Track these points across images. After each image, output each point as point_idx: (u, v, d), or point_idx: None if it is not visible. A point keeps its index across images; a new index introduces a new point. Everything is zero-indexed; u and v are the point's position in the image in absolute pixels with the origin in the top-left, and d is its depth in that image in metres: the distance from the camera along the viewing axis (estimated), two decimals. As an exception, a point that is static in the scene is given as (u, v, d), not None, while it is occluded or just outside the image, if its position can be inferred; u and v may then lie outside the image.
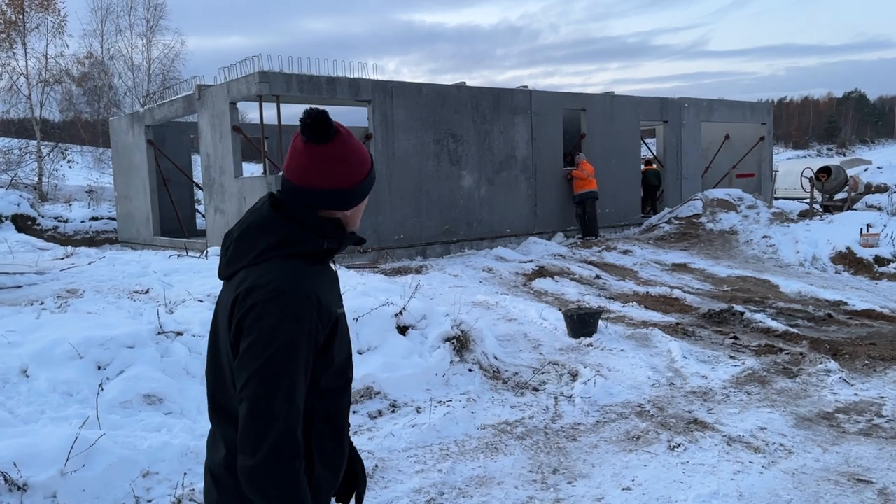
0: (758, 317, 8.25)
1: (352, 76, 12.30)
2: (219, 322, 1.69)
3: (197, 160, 17.67)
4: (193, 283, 6.94)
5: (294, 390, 1.54)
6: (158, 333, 4.96)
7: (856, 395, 5.64)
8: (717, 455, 4.44)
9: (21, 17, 24.90)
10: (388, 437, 4.36)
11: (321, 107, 1.79)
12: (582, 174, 14.60)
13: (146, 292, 6.60)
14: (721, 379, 6.05)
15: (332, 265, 1.79)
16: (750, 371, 6.26)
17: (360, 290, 6.25)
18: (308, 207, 1.68)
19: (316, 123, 1.65)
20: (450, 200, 13.29)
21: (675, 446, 4.55)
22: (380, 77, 12.71)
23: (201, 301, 5.86)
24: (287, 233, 1.64)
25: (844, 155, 73.06)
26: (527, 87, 14.65)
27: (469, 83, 13.84)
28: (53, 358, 4.56)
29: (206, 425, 4.26)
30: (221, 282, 1.79)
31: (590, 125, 15.50)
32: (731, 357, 6.75)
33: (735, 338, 7.55)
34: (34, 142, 25.72)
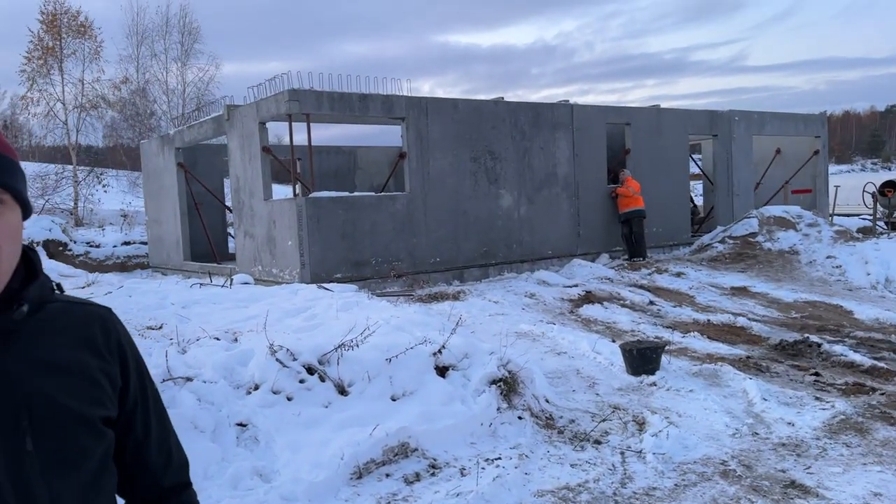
0: (837, 348, 7.36)
1: (385, 93, 11.74)
2: None
3: (229, 183, 17.32)
4: (213, 315, 6.35)
5: None
6: (165, 380, 4.33)
7: (978, 448, 4.76)
8: (829, 533, 3.63)
9: (58, 43, 25.09)
10: (427, 509, 3.64)
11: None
12: (627, 192, 13.79)
13: (160, 328, 6.02)
14: (811, 426, 5.21)
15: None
16: (842, 416, 5.40)
17: (394, 324, 5.57)
18: None
19: None
20: (488, 221, 12.59)
21: (775, 520, 3.75)
22: (414, 94, 12.14)
23: (217, 339, 5.23)
24: None
25: (890, 169, 70.71)
26: (567, 101, 13.94)
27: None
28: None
29: (212, 493, 3.59)
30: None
31: (635, 140, 14.70)
32: (817, 398, 5.89)
33: (816, 374, 6.68)
34: (70, 167, 25.80)
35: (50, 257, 15.98)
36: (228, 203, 16.72)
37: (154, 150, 16.37)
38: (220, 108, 14.05)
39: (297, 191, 12.23)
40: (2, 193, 1.01)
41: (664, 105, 15.77)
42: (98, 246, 18.34)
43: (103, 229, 21.05)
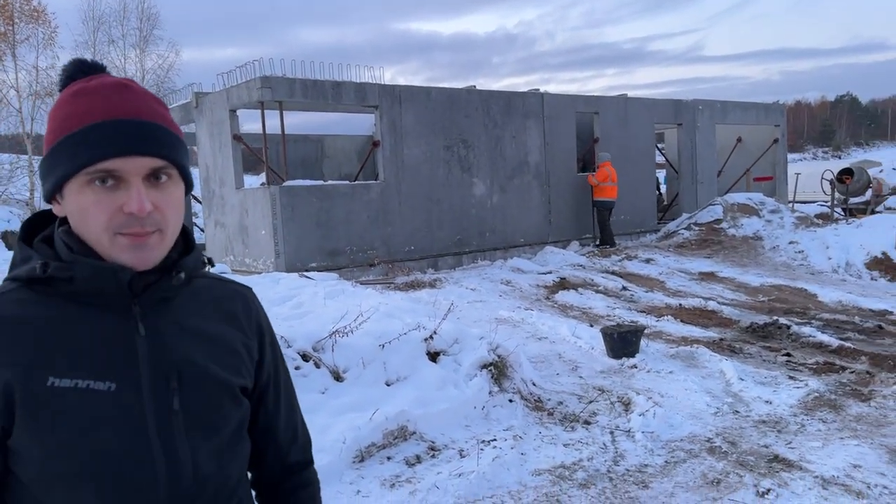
0: (805, 330, 7.63)
1: (358, 81, 11.69)
2: None
3: (194, 172, 17.03)
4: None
5: None
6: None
7: (945, 421, 5.01)
8: (815, 503, 3.80)
9: (11, 28, 24.29)
10: (432, 490, 3.70)
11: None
12: (593, 181, 13.96)
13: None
14: (787, 404, 5.42)
15: (132, 315, 1.07)
16: (816, 394, 5.63)
17: (384, 311, 5.61)
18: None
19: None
20: (461, 209, 12.66)
21: (764, 492, 3.91)
22: (378, 81, 12.09)
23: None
24: (17, 250, 1.11)
25: (840, 157, 72.80)
26: (538, 89, 14.06)
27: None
28: None
29: None
30: None
31: (603, 129, 14.90)
32: (791, 377, 6.12)
33: (788, 354, 6.93)
34: (25, 156, 25.06)
35: (9, 249, 15.57)
36: (194, 192, 16.46)
37: (117, 138, 16.01)
38: (185, 96, 13.81)
39: (266, 180, 12.11)
40: (171, 169, 1.07)
41: (626, 94, 16.01)
42: (59, 237, 17.88)
43: (63, 220, 20.50)
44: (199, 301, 1.17)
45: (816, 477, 4.09)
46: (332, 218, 11.08)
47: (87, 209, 1.03)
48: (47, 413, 1.00)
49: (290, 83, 10.81)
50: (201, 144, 12.63)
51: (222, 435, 1.12)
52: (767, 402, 5.49)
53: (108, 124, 1.02)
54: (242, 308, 1.22)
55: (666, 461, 4.37)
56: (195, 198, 16.10)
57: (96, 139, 1.01)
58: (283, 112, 11.28)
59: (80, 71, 1.11)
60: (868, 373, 6.14)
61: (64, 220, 1.09)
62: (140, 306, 1.08)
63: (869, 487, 3.97)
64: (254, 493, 1.28)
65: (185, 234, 1.16)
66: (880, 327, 7.99)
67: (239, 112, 12.00)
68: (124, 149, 1.02)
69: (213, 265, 1.22)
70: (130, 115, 1.04)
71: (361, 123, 18.22)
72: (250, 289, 1.28)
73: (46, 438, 1.00)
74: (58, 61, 25.79)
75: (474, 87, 13.21)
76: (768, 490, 3.93)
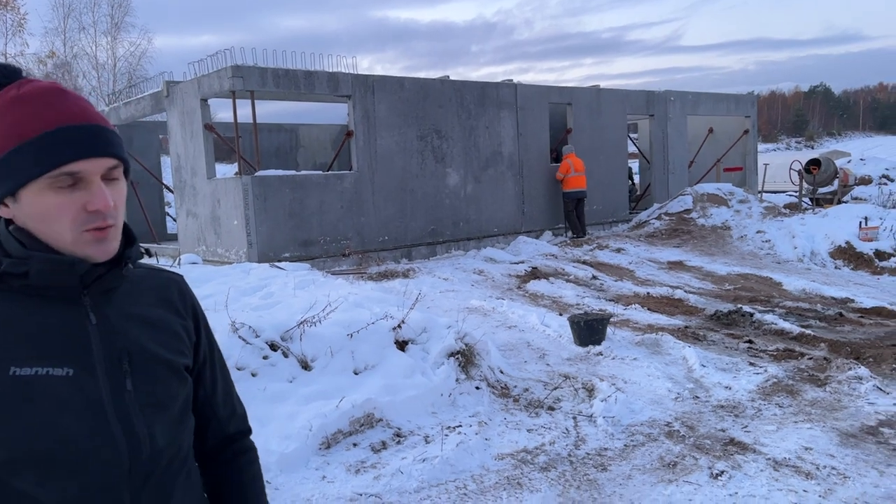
0: (768, 318, 7.82)
1: (331, 70, 11.67)
2: None
3: (166, 161, 16.88)
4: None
5: None
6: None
7: (895, 404, 5.20)
8: (766, 483, 3.94)
9: (-23, 14, 23.81)
10: (396, 475, 3.79)
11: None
12: (559, 175, 14.13)
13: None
14: (746, 389, 5.58)
15: (80, 305, 1.14)
16: (775, 379, 5.80)
17: (353, 300, 5.67)
18: None
19: None
20: (435, 200, 12.72)
21: (717, 474, 4.05)
22: (360, 71, 12.10)
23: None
24: None
25: (813, 147, 73.97)
26: (512, 80, 14.13)
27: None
28: None
29: None
30: (197, 292, 1.32)
31: (576, 120, 15.03)
32: (751, 364, 6.29)
33: (750, 341, 7.11)
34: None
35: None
36: (166, 181, 16.35)
37: (88, 127, 15.80)
38: (156, 84, 13.68)
39: (238, 169, 12.06)
40: (120, 167, 1.16)
41: (602, 85, 16.15)
42: (29, 227, 17.61)
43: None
44: (140, 290, 1.25)
45: (769, 459, 4.25)
46: (306, 208, 11.09)
47: (50, 211, 1.09)
48: (11, 400, 1.05)
49: (261, 72, 10.77)
50: (173, 134, 12.54)
51: (172, 410, 1.21)
52: (727, 387, 5.65)
53: (64, 130, 1.09)
54: (178, 294, 1.32)
55: (625, 445, 4.50)
56: (167, 187, 15.98)
57: (61, 143, 1.08)
58: (256, 101, 11.23)
59: (3, 76, 1.14)
60: (825, 359, 6.32)
61: (10, 220, 1.14)
62: (90, 297, 1.15)
63: (818, 468, 4.13)
64: (197, 463, 1.37)
65: (125, 227, 1.23)
66: (841, 315, 8.21)
67: (211, 101, 11.94)
68: (85, 151, 1.09)
69: (150, 255, 1.29)
70: (82, 120, 1.12)
71: (338, 113, 18.20)
72: (182, 276, 1.38)
73: (12, 424, 1.04)
74: (27, 48, 25.38)
75: (448, 77, 13.25)
76: (722, 472, 4.07)
